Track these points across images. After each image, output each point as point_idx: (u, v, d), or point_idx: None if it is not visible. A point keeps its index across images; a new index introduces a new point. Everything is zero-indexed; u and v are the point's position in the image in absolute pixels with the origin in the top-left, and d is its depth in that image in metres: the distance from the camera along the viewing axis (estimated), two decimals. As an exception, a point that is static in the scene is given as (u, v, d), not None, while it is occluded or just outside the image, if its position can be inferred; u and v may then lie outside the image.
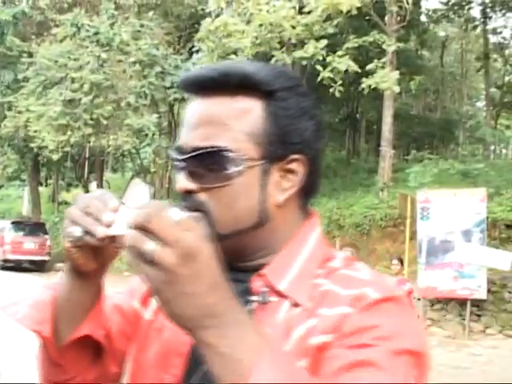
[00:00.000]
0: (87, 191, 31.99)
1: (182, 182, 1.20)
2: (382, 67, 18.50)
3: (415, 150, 24.10)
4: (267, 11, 18.66)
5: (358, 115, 33.28)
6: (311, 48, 18.30)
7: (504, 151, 39.74)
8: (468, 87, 38.42)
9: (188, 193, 1.20)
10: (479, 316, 13.76)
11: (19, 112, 24.94)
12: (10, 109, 26.40)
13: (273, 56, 19.52)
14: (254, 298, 1.19)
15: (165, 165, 26.69)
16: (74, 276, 1.22)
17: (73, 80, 22.59)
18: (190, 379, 1.22)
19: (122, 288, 1.49)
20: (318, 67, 18.21)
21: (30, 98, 24.59)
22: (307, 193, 1.27)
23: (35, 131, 23.60)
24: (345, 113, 31.65)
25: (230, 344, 0.96)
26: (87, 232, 1.10)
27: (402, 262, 10.13)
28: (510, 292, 14.21)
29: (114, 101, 23.11)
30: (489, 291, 13.81)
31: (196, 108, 1.22)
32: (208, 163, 1.18)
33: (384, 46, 18.96)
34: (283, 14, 18.34)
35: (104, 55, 22.60)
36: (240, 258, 1.24)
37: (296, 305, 1.17)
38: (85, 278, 1.22)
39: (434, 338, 12.84)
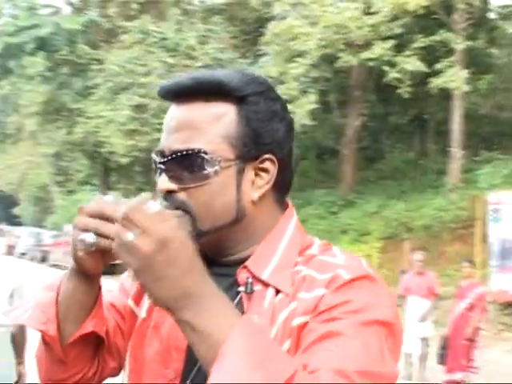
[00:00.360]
0: (156, 195, 32.42)
1: (163, 182, 1.29)
2: (451, 66, 18.19)
3: (485, 151, 23.60)
4: (332, 13, 18.56)
5: (425, 116, 32.86)
6: (378, 49, 18.15)
7: None
8: (539, 85, 37.45)
9: (169, 193, 1.29)
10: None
11: (89, 118, 25.51)
12: (80, 115, 27.00)
13: (339, 57, 19.44)
14: (240, 288, 1.29)
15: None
16: (78, 278, 1.31)
17: (141, 85, 22.90)
18: (190, 372, 1.30)
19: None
20: (385, 68, 18.02)
21: (99, 103, 25.13)
22: (280, 188, 1.37)
23: (105, 136, 24.08)
24: (412, 114, 31.26)
25: (204, 321, 1.07)
26: (100, 235, 1.19)
27: (473, 264, 9.92)
28: None
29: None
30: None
31: (174, 114, 1.32)
32: (186, 165, 1.28)
33: (452, 45, 18.64)
34: (348, 15, 18.23)
35: (171, 60, 22.90)
36: (222, 252, 1.35)
37: (278, 291, 1.27)
38: (89, 278, 1.32)
39: (507, 343, 12.55)
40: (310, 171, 31.02)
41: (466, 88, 17.83)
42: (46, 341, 1.37)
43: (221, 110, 1.30)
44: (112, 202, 1.23)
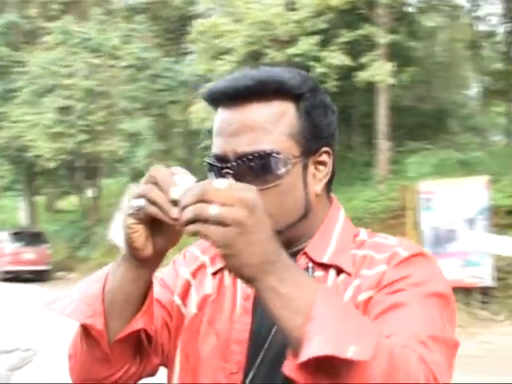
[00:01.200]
0: (83, 198, 31.98)
1: None
2: (375, 60, 18.53)
3: (412, 141, 24.14)
4: (257, 9, 18.63)
5: (350, 109, 33.35)
6: (303, 44, 18.31)
7: (496, 138, 39.89)
8: (457, 76, 38.48)
9: None
10: (487, 303, 13.79)
11: (13, 122, 24.88)
12: (3, 119, 26.33)
13: (265, 54, 19.54)
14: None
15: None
16: (128, 265, 1.25)
17: (65, 87, 22.51)
18: (252, 364, 1.31)
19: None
20: (312, 63, 18.20)
21: (23, 107, 24.55)
22: (330, 180, 1.40)
23: (30, 140, 23.54)
24: (338, 107, 31.64)
25: (288, 285, 1.08)
26: (150, 201, 1.13)
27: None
28: (516, 278, 14.28)
29: (107, 106, 23.09)
30: (496, 278, 13.85)
31: (231, 116, 1.31)
32: (257, 167, 1.28)
33: (376, 39, 18.98)
34: (273, 11, 18.33)
35: (95, 61, 22.60)
36: (286, 246, 1.26)
37: (340, 272, 1.33)
38: (139, 266, 1.25)
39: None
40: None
41: (391, 81, 18.18)
42: (89, 336, 1.30)
43: (282, 108, 1.31)
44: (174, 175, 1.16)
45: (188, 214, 1.06)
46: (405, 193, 16.02)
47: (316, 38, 18.32)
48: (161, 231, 1.19)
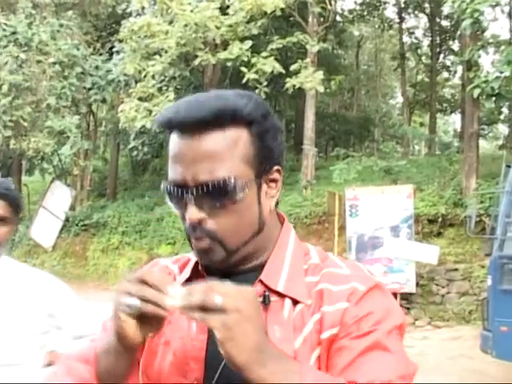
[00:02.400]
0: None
1: (193, 213, 1.37)
2: (305, 67, 18.75)
3: (338, 148, 24.50)
4: (191, 11, 18.62)
5: (277, 114, 33.56)
6: (235, 49, 18.36)
7: (417, 147, 40.84)
8: (382, 86, 39.28)
9: (198, 222, 1.37)
10: (408, 309, 14.20)
11: None
12: None
13: (197, 56, 19.53)
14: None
15: (86, 167, 26.35)
16: (118, 352, 1.35)
17: (-10, 81, 21.95)
18: (210, 380, 1.39)
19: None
20: (243, 68, 18.30)
21: None
22: (278, 196, 1.50)
23: (-49, 135, 22.87)
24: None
25: (278, 377, 1.21)
26: (145, 300, 1.25)
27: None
28: (437, 285, 14.73)
29: (34, 102, 22.61)
30: (417, 284, 14.28)
31: (189, 145, 1.36)
32: (216, 193, 1.35)
33: (307, 47, 19.23)
34: (208, 14, 18.34)
35: (23, 55, 22.02)
36: (240, 263, 1.45)
37: (296, 302, 1.41)
38: (128, 351, 1.35)
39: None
40: (163, 169, 30.95)
41: (321, 88, 18.43)
42: None
43: (236, 134, 1.38)
44: (162, 274, 1.35)
45: (195, 299, 1.20)
46: (330, 199, 16.28)
47: (248, 44, 18.39)
48: (148, 320, 1.28)
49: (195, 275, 1.51)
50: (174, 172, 1.39)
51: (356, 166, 18.18)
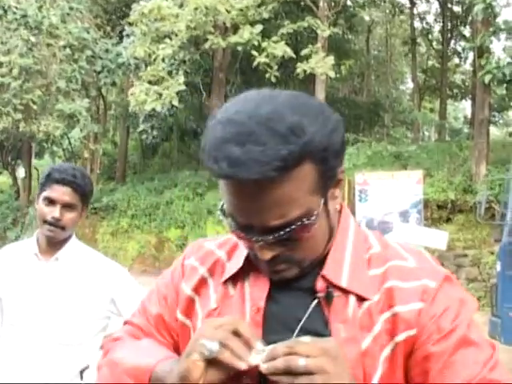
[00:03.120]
0: (14, 178, 31.32)
1: (265, 254, 1.29)
2: (316, 52, 18.69)
3: (347, 133, 24.43)
4: (202, -5, 18.55)
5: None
6: (246, 33, 18.32)
7: (427, 133, 40.70)
8: (393, 71, 39.09)
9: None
10: (417, 294, 14.17)
11: None
12: None
13: (207, 40, 19.49)
14: (319, 295, 1.35)
15: (95, 150, 26.41)
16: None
17: (1, 64, 21.96)
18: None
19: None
20: (254, 52, 18.25)
21: (-44, 82, 23.87)
22: None
23: (-38, 118, 22.93)
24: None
25: None
26: (225, 347, 1.23)
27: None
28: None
29: (44, 85, 22.63)
30: (426, 270, 14.24)
31: (255, 193, 1.22)
32: (289, 234, 1.27)
33: (318, 31, 19.14)
34: (218, -3, 18.28)
35: (33, 39, 22.00)
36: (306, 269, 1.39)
37: (361, 298, 1.36)
38: None
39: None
40: (172, 153, 30.97)
41: (332, 74, 18.37)
42: None
43: (302, 172, 1.23)
44: (248, 326, 1.29)
45: (279, 364, 1.19)
46: (340, 184, 16.25)
47: (259, 28, 18.33)
48: (217, 368, 1.25)
49: (249, 265, 1.44)
50: (235, 212, 1.29)
51: (366, 151, 18.21)
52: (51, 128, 22.28)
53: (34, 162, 32.39)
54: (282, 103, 1.24)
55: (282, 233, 1.25)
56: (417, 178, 14.50)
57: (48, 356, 3.05)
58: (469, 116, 35.02)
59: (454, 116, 47.03)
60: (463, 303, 1.37)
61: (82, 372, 3.28)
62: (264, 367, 1.20)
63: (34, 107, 22.14)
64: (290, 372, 1.18)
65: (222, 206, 1.32)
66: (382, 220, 14.45)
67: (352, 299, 1.35)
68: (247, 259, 1.44)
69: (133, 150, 32.78)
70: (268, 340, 1.29)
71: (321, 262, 1.39)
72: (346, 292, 1.36)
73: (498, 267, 9.55)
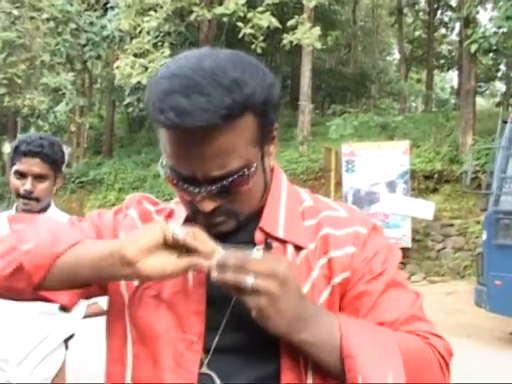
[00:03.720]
0: (0, 153, 31.17)
1: (209, 205, 1.31)
2: (302, 23, 18.56)
3: (334, 104, 24.42)
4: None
5: (272, 70, 33.39)
6: (231, 4, 18.14)
7: (414, 104, 40.72)
8: (379, 42, 38.99)
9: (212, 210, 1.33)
10: (404, 264, 14.30)
11: None
12: None
13: (192, 11, 19.31)
14: (258, 247, 1.38)
15: (81, 124, 26.28)
16: (115, 263, 1.25)
17: (-16, 38, 21.72)
18: (212, 334, 1.37)
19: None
20: (240, 24, 18.11)
21: None
22: None
23: None
24: (261, 69, 31.72)
25: (318, 334, 1.27)
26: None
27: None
28: (432, 240, 14.83)
29: (28, 59, 22.42)
30: (413, 240, 14.37)
31: (194, 145, 1.25)
32: (230, 184, 1.29)
33: (304, 2, 18.99)
34: (202, -32, 18.09)
35: (15, 12, 21.73)
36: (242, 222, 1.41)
37: (298, 248, 1.41)
38: (124, 265, 1.26)
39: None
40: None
41: (318, 45, 18.27)
42: (18, 272, 1.34)
43: (244, 123, 1.27)
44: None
45: (229, 278, 1.22)
46: (327, 154, 16.28)
47: (244, -1, 18.19)
48: (169, 261, 1.25)
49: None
50: (178, 164, 1.30)
51: (352, 121, 18.16)
52: (36, 102, 22.13)
53: (20, 136, 32.15)
54: (224, 59, 1.28)
55: (224, 183, 1.28)
56: (403, 148, 14.51)
57: (31, 326, 3.04)
58: (455, 86, 35.04)
59: (440, 86, 47.02)
60: (391, 249, 1.47)
61: (66, 341, 3.29)
62: (214, 275, 1.23)
63: (19, 81, 21.98)
64: (237, 288, 1.22)
65: (162, 161, 1.34)
66: (369, 190, 14.49)
67: (290, 249, 1.40)
68: (185, 223, 1.44)
69: (119, 124, 32.66)
70: (212, 296, 1.36)
71: (256, 215, 1.42)
72: (283, 242, 1.41)
73: (484, 236, 9.64)
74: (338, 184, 15.50)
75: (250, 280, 1.20)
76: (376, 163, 14.42)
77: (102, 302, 3.44)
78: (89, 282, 1.36)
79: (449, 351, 1.41)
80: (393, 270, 1.42)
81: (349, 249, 1.40)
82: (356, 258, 1.39)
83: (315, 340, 1.27)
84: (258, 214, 1.43)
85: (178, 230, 1.24)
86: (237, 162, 1.28)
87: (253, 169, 1.31)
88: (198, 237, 1.24)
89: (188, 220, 1.44)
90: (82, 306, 3.23)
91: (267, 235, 1.40)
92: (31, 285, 1.35)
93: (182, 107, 1.20)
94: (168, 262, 1.24)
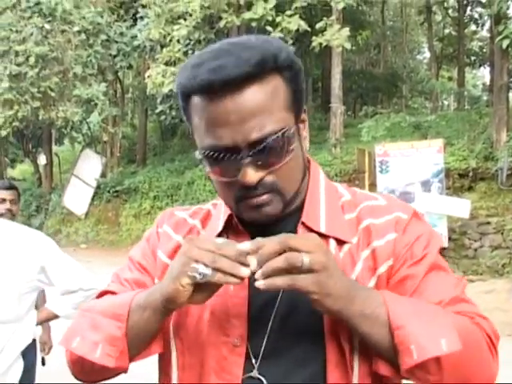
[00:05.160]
0: (36, 165, 31.54)
1: (252, 176, 1.30)
2: (331, 25, 18.55)
3: (366, 106, 24.30)
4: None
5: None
6: (260, 8, 18.22)
7: (446, 102, 40.39)
8: (409, 41, 38.77)
9: (256, 182, 1.31)
10: (442, 263, 14.14)
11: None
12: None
13: (221, 18, 19.43)
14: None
15: (115, 134, 26.52)
16: (157, 311, 1.32)
17: (17, 53, 22.06)
18: (256, 337, 1.37)
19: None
20: (269, 28, 18.16)
21: (-26, 73, 24.01)
22: None
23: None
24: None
25: (369, 306, 1.26)
26: (215, 269, 1.20)
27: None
28: (469, 239, 14.67)
29: (61, 72, 22.72)
30: (449, 239, 14.23)
31: (230, 105, 1.26)
32: (272, 149, 1.29)
33: (332, 4, 18.97)
34: (231, -25, 18.19)
35: (47, 26, 22.08)
36: (285, 209, 1.40)
37: (341, 242, 1.41)
38: (167, 313, 1.34)
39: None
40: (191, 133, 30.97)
41: (348, 45, 18.25)
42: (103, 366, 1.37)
43: (274, 83, 1.31)
44: (224, 242, 1.25)
45: (278, 263, 1.17)
46: (361, 156, 16.23)
47: (272, 2, 18.22)
48: (206, 288, 1.26)
49: (228, 229, 1.48)
50: (216, 137, 1.29)
51: (384, 122, 18.03)
52: (70, 114, 22.41)
53: (55, 148, 32.61)
54: (248, 38, 1.35)
55: (264, 144, 1.28)
56: (437, 147, 14.40)
57: None
58: (487, 83, 34.68)
59: (472, 84, 46.62)
60: (432, 235, 1.46)
61: (23, 353, 3.27)
62: (259, 273, 1.19)
63: (52, 94, 22.27)
64: (289, 271, 1.18)
65: (200, 151, 1.36)
66: (404, 190, 14.40)
67: (332, 243, 1.41)
68: (225, 224, 1.48)
69: (152, 132, 32.86)
70: (255, 300, 1.37)
71: (297, 211, 1.44)
72: (325, 237, 1.40)
73: (522, 233, 9.54)
74: (372, 185, 15.43)
75: (306, 258, 1.17)
76: (410, 163, 14.33)
77: (52, 305, 3.50)
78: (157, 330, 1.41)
79: (495, 333, 1.37)
80: (435, 254, 1.42)
81: (390, 235, 1.40)
82: (398, 244, 1.40)
83: (369, 312, 1.25)
84: (298, 209, 1.44)
85: (204, 269, 1.21)
86: (275, 125, 1.29)
87: (290, 133, 1.31)
88: (227, 252, 1.22)
89: (228, 221, 1.47)
90: (33, 313, 3.28)
91: (310, 230, 1.40)
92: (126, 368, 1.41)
93: (214, 67, 1.25)
94: (210, 287, 1.26)
